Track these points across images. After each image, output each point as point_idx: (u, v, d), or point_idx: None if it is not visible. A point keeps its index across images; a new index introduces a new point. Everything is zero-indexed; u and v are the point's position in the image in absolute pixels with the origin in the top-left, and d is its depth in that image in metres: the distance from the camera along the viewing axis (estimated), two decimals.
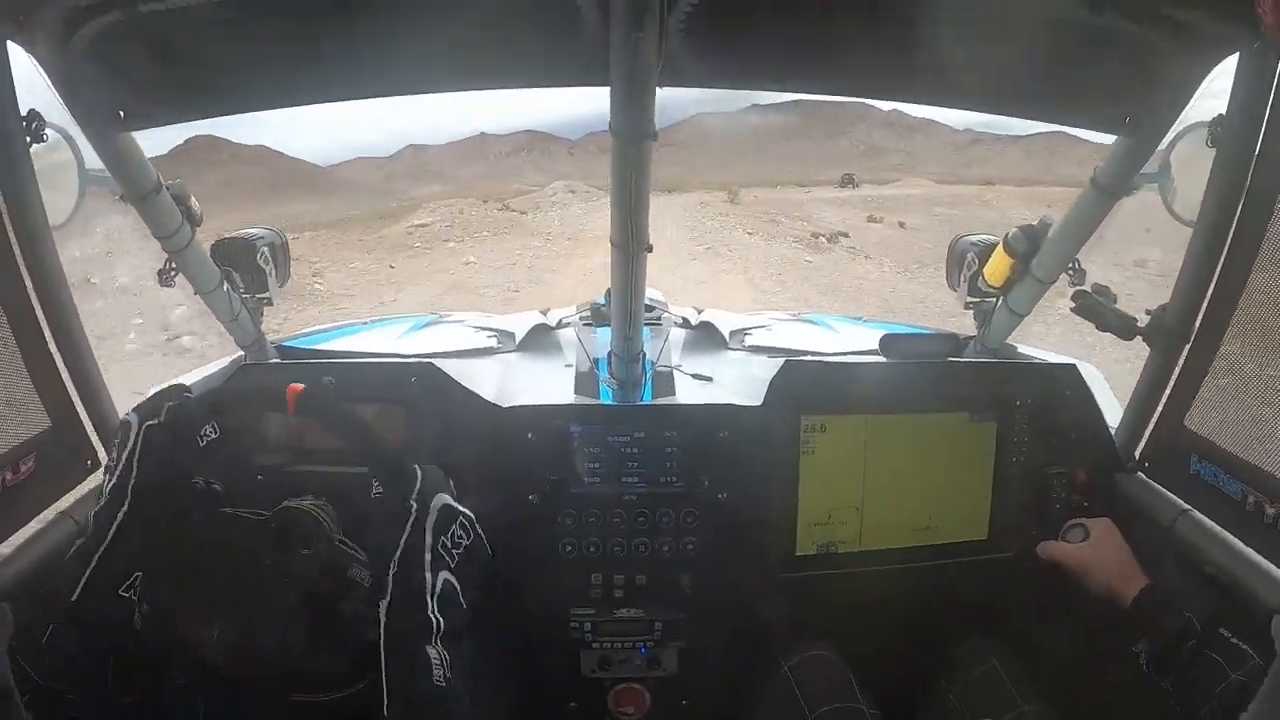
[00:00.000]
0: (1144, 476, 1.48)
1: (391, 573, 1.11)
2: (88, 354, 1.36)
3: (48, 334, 1.29)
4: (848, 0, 1.06)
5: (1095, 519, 1.44)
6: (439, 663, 1.07)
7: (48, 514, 1.31)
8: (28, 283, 1.24)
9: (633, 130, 1.02)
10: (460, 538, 1.17)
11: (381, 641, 1.09)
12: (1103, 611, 1.31)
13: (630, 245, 1.19)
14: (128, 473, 1.21)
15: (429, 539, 1.13)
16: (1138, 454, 1.50)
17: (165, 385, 1.37)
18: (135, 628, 1.17)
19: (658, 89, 1.04)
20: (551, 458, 1.51)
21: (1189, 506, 1.33)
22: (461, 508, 1.20)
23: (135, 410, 1.25)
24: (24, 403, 1.26)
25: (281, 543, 1.22)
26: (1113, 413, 1.60)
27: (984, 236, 1.63)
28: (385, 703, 1.07)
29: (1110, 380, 1.76)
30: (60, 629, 1.13)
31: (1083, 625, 1.45)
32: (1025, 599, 1.56)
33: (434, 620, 1.09)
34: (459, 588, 1.15)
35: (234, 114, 1.34)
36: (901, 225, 23.17)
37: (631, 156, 1.06)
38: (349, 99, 1.33)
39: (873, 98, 1.37)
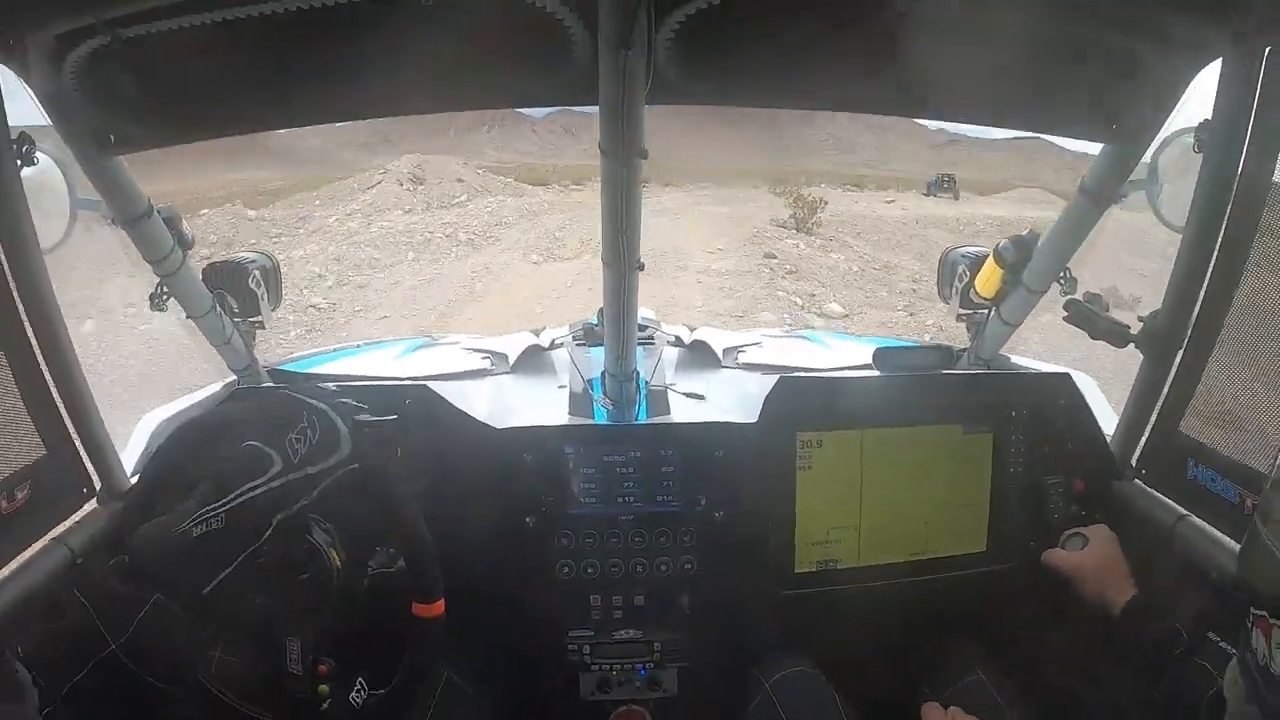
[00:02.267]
0: (1141, 483, 1.47)
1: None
2: (80, 379, 1.34)
3: (40, 359, 1.27)
4: (833, 17, 1.06)
5: (1093, 526, 1.43)
6: None
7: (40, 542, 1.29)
8: (20, 307, 1.23)
9: (622, 149, 1.02)
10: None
11: None
12: (1095, 621, 1.31)
13: (622, 264, 1.18)
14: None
15: None
16: (1134, 461, 1.49)
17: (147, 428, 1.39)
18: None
19: (646, 107, 1.04)
20: (547, 479, 1.50)
21: (1186, 512, 1.32)
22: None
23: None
24: (18, 429, 1.24)
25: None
26: (1108, 420, 1.59)
27: (975, 248, 1.63)
28: None
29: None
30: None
31: (1076, 636, 1.43)
32: (1021, 610, 1.55)
33: None
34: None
35: (222, 137, 1.34)
36: None
37: (621, 175, 1.06)
38: (336, 120, 1.34)
39: (859, 111, 1.38)
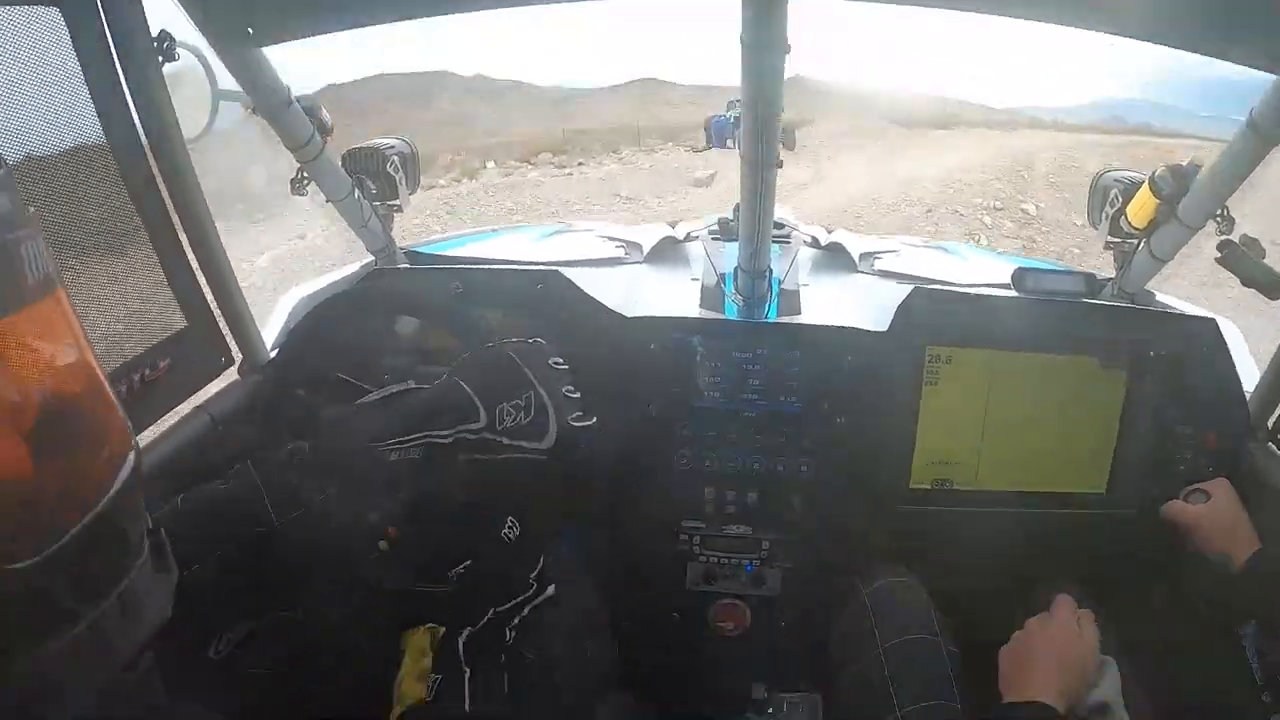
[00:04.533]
0: (1275, 448, 1.41)
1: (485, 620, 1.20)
2: (222, 258, 1.43)
3: (184, 241, 1.36)
4: None
5: (1213, 481, 1.39)
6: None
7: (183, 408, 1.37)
8: (165, 194, 1.31)
9: (764, 41, 1.00)
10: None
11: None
12: (1213, 576, 1.27)
13: (760, 159, 1.18)
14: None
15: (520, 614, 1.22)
16: (1270, 424, 1.44)
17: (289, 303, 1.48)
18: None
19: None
20: (673, 369, 1.53)
21: None
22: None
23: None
24: (162, 304, 1.33)
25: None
26: (1250, 376, 1.53)
27: (1130, 173, 1.57)
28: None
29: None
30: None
31: (1190, 596, 1.39)
32: (1134, 559, 1.51)
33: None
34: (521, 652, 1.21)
35: (361, 27, 1.34)
36: None
37: (763, 68, 1.04)
38: (470, 9, 1.31)
39: (1028, 18, 1.33)
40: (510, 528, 1.25)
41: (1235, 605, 1.27)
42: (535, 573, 1.30)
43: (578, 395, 1.27)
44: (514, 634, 1.24)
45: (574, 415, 1.26)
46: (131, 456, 0.64)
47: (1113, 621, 1.37)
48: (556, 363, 1.28)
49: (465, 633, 1.21)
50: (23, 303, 0.55)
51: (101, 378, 0.63)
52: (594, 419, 1.29)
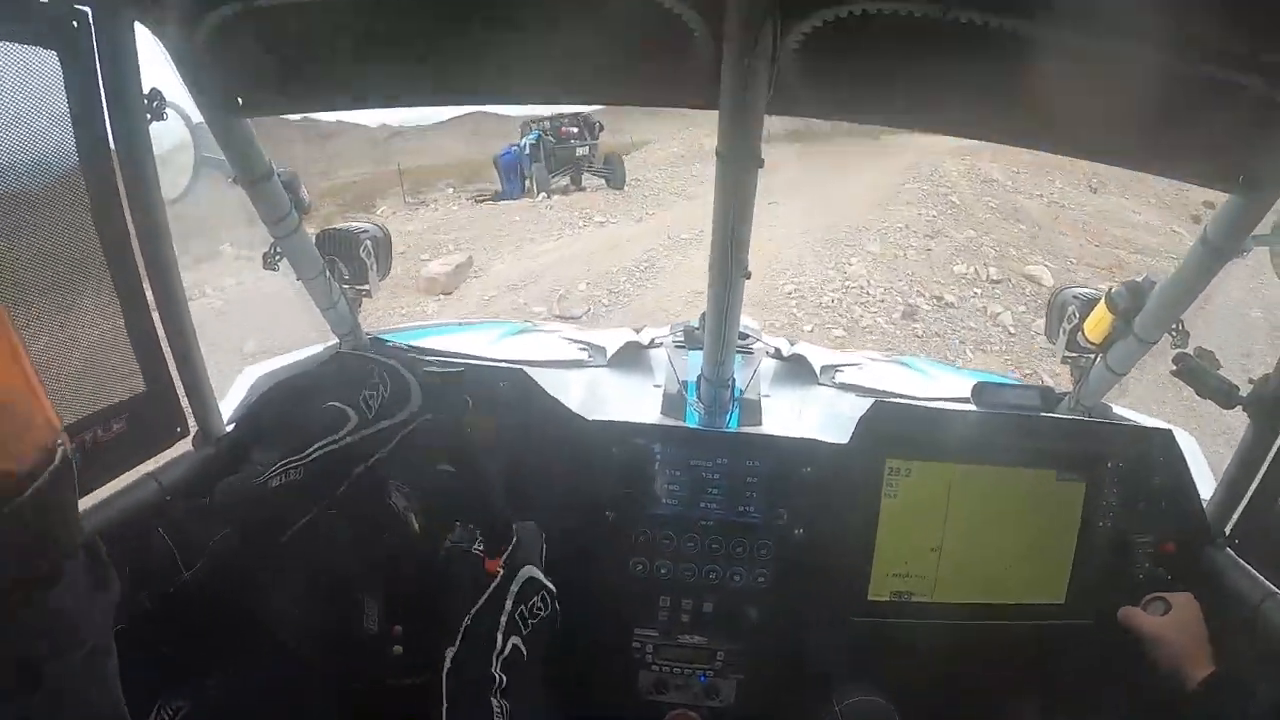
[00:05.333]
0: (1233, 553, 1.42)
1: (465, 625, 1.13)
2: (188, 325, 1.40)
3: (150, 302, 1.32)
4: (961, 39, 1.04)
5: (1177, 594, 1.39)
6: (500, 712, 1.08)
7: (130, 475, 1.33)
8: (137, 252, 1.28)
9: (739, 155, 1.01)
10: (539, 609, 1.17)
11: (444, 685, 1.10)
12: (1168, 691, 1.26)
13: (729, 271, 1.18)
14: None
15: (509, 605, 1.14)
16: (1228, 529, 1.45)
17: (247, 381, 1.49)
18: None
19: (765, 116, 1.03)
20: (632, 475, 1.51)
21: (1277, 589, 1.27)
22: (546, 581, 1.20)
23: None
24: (122, 364, 1.29)
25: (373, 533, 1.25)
26: (1205, 484, 1.55)
27: (1087, 290, 1.60)
28: None
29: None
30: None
31: (1147, 705, 1.39)
32: (1092, 669, 1.50)
33: (497, 678, 1.10)
34: (526, 654, 1.15)
35: (346, 110, 1.39)
36: None
37: (736, 181, 1.05)
38: (458, 103, 1.34)
39: (979, 138, 1.36)
40: (453, 543, 1.22)
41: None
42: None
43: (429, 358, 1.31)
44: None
45: (428, 367, 1.35)
46: (61, 450, 0.63)
47: None
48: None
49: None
50: None
51: (34, 380, 0.63)
52: (460, 367, 1.40)
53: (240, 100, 1.27)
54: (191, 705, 1.14)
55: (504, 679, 1.10)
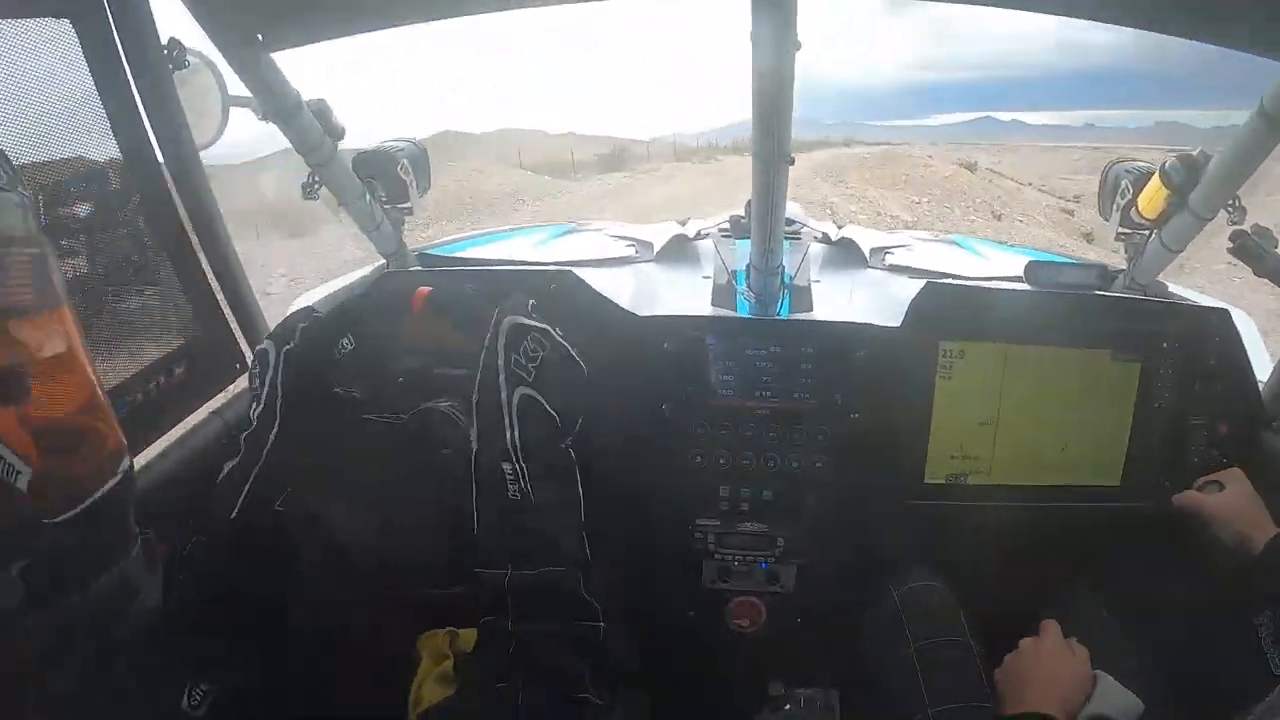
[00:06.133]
0: None
1: (474, 401, 1.13)
2: (235, 265, 1.43)
3: (198, 249, 1.36)
4: None
5: (1229, 470, 1.38)
6: (514, 477, 1.09)
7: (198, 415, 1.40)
8: (177, 201, 1.31)
9: (772, 42, 0.99)
10: (534, 351, 1.16)
11: (473, 468, 1.11)
12: (1231, 565, 1.26)
13: (772, 156, 1.17)
14: (273, 396, 1.27)
15: (501, 358, 1.13)
16: None
17: (294, 309, 1.43)
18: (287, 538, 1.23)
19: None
20: (686, 368, 1.52)
21: None
22: (534, 322, 1.18)
23: (270, 338, 1.31)
24: (178, 312, 1.35)
25: (422, 442, 1.25)
26: (1263, 366, 1.53)
27: (1141, 163, 1.56)
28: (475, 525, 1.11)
29: None
30: (210, 545, 1.20)
31: (1206, 588, 1.39)
32: (1148, 553, 1.50)
33: (510, 435, 1.09)
34: (542, 399, 1.14)
35: (370, 31, 1.35)
36: None
37: (774, 67, 1.03)
38: (483, 10, 1.31)
39: (1036, 10, 1.32)
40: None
41: (1256, 589, 1.25)
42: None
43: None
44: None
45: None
46: (124, 467, 0.78)
47: (1131, 612, 1.38)
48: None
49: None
50: (26, 314, 0.66)
51: (100, 394, 0.76)
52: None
53: (260, 36, 1.28)
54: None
55: (516, 436, 1.10)
